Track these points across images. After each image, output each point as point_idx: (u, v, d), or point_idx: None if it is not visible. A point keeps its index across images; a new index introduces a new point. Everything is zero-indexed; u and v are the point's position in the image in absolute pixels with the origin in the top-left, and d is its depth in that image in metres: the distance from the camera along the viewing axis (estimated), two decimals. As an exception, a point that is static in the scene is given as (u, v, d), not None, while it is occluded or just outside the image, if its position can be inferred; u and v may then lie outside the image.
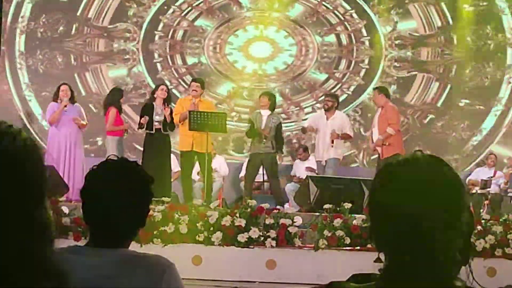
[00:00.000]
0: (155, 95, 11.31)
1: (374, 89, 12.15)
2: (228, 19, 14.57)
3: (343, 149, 12.01)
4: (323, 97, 12.74)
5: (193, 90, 11.24)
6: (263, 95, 11.66)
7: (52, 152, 11.12)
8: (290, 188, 12.35)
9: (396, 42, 14.53)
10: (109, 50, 14.42)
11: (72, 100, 11.38)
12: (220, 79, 14.43)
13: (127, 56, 14.41)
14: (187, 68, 14.49)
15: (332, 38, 14.59)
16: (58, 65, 14.25)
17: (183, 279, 2.57)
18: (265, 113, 11.39)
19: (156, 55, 14.50)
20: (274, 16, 14.60)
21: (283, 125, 11.98)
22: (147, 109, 11.30)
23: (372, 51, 14.50)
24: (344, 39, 14.58)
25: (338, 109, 11.71)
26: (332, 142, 11.26)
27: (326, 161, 11.43)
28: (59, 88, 11.48)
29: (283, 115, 13.75)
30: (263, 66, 14.53)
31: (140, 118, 11.32)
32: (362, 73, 14.53)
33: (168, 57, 14.54)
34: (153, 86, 12.51)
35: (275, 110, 11.74)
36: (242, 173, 13.42)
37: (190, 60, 14.52)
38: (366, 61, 14.55)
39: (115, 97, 11.64)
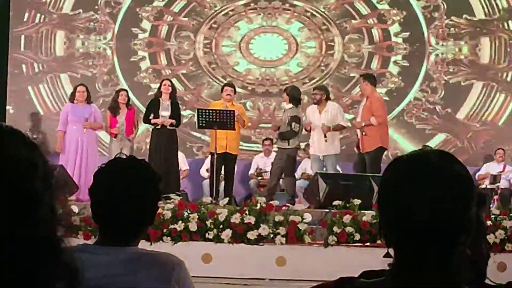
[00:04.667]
0: (160, 90, 11.39)
1: (360, 76, 11.86)
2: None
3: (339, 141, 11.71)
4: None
5: (227, 94, 11.34)
6: (283, 91, 11.68)
7: (65, 152, 11.23)
8: (299, 185, 12.32)
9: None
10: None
11: (88, 100, 11.49)
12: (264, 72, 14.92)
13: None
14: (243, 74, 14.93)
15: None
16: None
17: (192, 276, 2.57)
18: (287, 107, 11.35)
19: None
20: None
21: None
22: (152, 105, 11.39)
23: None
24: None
25: (330, 100, 11.53)
26: (325, 136, 11.15)
27: (324, 156, 11.33)
28: (75, 88, 11.60)
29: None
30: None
31: (146, 113, 11.43)
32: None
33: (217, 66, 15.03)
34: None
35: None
36: (252, 170, 13.43)
37: (240, 69, 14.98)
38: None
39: (112, 100, 11.81)
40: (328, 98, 11.44)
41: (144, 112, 11.76)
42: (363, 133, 10.94)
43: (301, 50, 15.00)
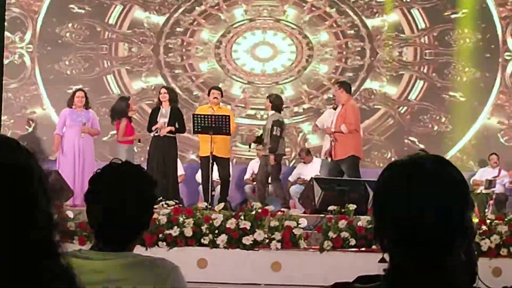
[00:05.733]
0: (160, 99, 11.39)
1: (336, 83, 11.85)
2: (229, 25, 14.62)
3: None
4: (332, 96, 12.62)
5: (214, 97, 11.34)
6: (266, 98, 11.74)
7: (62, 157, 11.23)
8: (294, 190, 12.33)
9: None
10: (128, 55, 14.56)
11: (86, 106, 11.47)
12: (231, 82, 14.40)
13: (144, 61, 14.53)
14: (201, 74, 14.52)
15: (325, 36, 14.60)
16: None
17: (188, 282, 2.57)
18: (270, 114, 11.43)
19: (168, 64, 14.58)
20: (270, 21, 14.70)
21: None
22: (154, 113, 11.40)
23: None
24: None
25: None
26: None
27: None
28: (74, 93, 11.58)
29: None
30: (269, 66, 14.54)
31: (149, 122, 11.40)
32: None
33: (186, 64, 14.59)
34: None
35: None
36: (247, 175, 13.43)
37: (203, 67, 14.55)
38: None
39: (122, 107, 11.68)
40: None
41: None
42: (331, 140, 10.93)
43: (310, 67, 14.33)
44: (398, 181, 1.61)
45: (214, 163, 11.22)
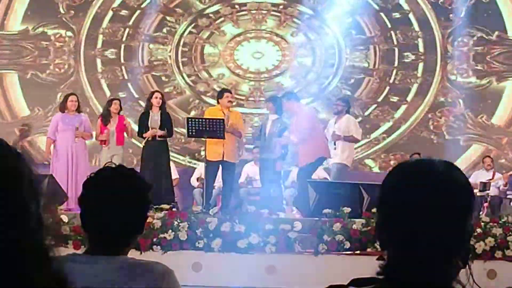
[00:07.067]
0: (151, 102, 11.32)
1: (282, 97, 11.57)
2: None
3: (352, 154, 11.68)
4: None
5: (228, 101, 11.24)
6: (267, 101, 11.69)
7: (56, 161, 11.20)
8: (289, 193, 12.32)
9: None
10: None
11: (78, 110, 11.44)
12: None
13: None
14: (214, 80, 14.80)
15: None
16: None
17: (183, 286, 2.57)
18: (272, 117, 11.34)
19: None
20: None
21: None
22: (143, 117, 11.33)
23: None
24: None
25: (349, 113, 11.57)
26: (334, 144, 11.20)
27: (332, 164, 11.39)
28: (66, 98, 11.53)
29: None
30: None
31: (139, 128, 11.36)
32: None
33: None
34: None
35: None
36: (242, 179, 13.41)
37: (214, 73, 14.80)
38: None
39: (104, 108, 11.75)
40: (348, 111, 11.51)
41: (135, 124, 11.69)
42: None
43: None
44: (407, 180, 1.61)
45: (221, 166, 11.16)
